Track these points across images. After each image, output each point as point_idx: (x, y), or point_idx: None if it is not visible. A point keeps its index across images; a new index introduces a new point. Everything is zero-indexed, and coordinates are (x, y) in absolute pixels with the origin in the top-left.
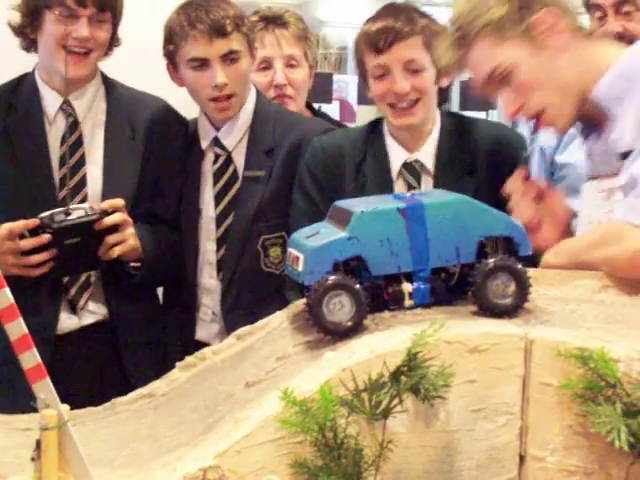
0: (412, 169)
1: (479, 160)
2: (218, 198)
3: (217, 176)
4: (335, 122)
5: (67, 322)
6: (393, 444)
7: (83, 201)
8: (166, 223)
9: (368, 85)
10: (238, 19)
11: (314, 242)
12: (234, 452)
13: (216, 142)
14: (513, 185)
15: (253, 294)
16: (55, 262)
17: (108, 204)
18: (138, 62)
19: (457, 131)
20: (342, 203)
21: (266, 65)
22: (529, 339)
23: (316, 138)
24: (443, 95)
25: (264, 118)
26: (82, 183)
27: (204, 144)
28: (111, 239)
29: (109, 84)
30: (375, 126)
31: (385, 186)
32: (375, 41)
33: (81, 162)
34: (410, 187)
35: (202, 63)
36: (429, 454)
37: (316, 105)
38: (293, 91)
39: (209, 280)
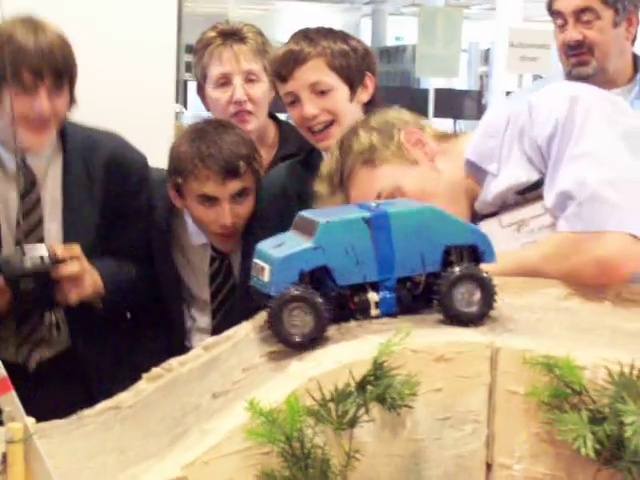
0: None
1: None
2: (215, 292)
3: (213, 275)
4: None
5: (20, 357)
6: (360, 453)
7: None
8: (128, 258)
9: None
10: (251, 158)
11: (280, 252)
12: (201, 463)
13: (212, 247)
14: None
15: None
16: (11, 305)
17: (65, 253)
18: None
19: None
20: (307, 213)
21: (225, 81)
22: (495, 347)
23: (263, 182)
24: (373, 107)
25: (257, 223)
26: (40, 242)
27: (196, 241)
28: (67, 287)
29: (64, 131)
30: (311, 155)
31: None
32: (278, 70)
33: (39, 222)
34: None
35: (212, 199)
36: (396, 463)
37: (283, 116)
38: (253, 107)
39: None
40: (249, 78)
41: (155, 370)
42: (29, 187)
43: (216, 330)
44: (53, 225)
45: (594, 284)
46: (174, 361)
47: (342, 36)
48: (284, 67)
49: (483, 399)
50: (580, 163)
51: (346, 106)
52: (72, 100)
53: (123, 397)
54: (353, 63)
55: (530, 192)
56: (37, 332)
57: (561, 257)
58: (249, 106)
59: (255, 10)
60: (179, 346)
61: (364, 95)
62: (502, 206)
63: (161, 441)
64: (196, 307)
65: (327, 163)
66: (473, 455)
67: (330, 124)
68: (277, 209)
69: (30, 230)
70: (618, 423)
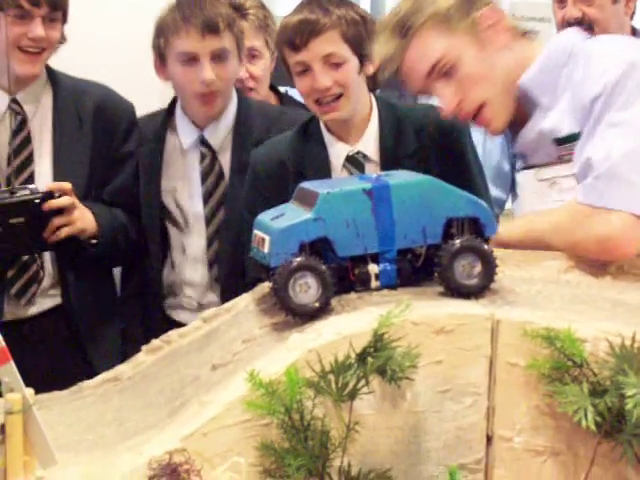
0: (355, 161)
1: (425, 146)
2: (207, 196)
3: (204, 175)
4: (302, 105)
5: (14, 310)
6: (360, 426)
7: None
8: (118, 206)
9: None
10: (231, 19)
11: (280, 223)
12: (200, 435)
13: (201, 141)
14: None
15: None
16: (1, 241)
17: (55, 186)
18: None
19: (396, 118)
20: (308, 184)
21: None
22: (495, 320)
23: (253, 156)
24: (374, 81)
25: (248, 115)
26: (29, 181)
27: (186, 143)
28: (57, 221)
29: (54, 77)
30: (309, 126)
31: None
32: (292, 39)
33: (29, 160)
34: None
35: (191, 58)
36: (396, 435)
37: (283, 89)
38: (254, 83)
39: (193, 273)
40: (251, 54)
41: (154, 342)
42: (19, 125)
43: (210, 241)
44: (43, 166)
45: (593, 258)
46: (173, 333)
47: (352, 5)
48: (299, 36)
49: (483, 371)
50: (614, 131)
51: (355, 78)
52: (62, 37)
53: (122, 369)
54: (365, 36)
55: (566, 143)
56: (20, 291)
57: (567, 229)
58: (250, 83)
59: None
60: (156, 285)
61: (370, 67)
62: (537, 149)
63: (160, 413)
64: (188, 229)
65: (396, 10)
66: (473, 427)
67: (339, 96)
68: (274, 181)
69: (20, 168)
70: (619, 396)
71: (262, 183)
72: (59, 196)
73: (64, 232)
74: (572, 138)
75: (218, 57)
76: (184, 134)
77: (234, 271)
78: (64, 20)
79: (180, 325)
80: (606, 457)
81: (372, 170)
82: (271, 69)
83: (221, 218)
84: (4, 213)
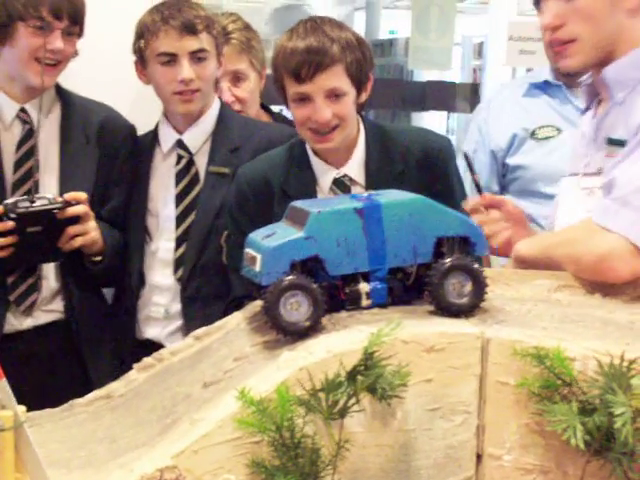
0: (341, 184)
1: (410, 169)
2: (179, 198)
3: (179, 177)
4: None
5: (15, 322)
6: (350, 443)
7: None
8: (114, 227)
9: (287, 104)
10: (209, 21)
11: (271, 242)
12: (191, 452)
13: (179, 144)
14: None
15: (213, 287)
16: (16, 250)
17: (71, 196)
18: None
19: (383, 141)
20: (299, 203)
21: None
22: (485, 338)
23: (240, 171)
24: (362, 104)
25: (228, 122)
26: (34, 189)
27: (165, 147)
28: (72, 230)
29: (62, 91)
30: (295, 147)
31: None
32: (297, 70)
33: (34, 169)
34: None
35: (171, 59)
36: (386, 453)
37: (277, 108)
38: (240, 106)
39: (162, 278)
40: (236, 77)
41: (146, 360)
42: (27, 134)
43: (179, 243)
44: (49, 178)
45: (587, 278)
46: (165, 351)
47: (348, 29)
48: (305, 69)
49: (473, 390)
50: None
51: (352, 110)
52: (75, 51)
53: (114, 386)
54: (364, 68)
55: (613, 146)
56: (20, 299)
57: (572, 243)
58: (237, 106)
59: (250, 3)
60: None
61: (364, 97)
62: (593, 144)
63: (152, 430)
64: (159, 233)
65: None
66: (463, 446)
67: (334, 127)
68: (259, 199)
69: (25, 177)
70: (608, 414)
71: (247, 200)
72: (75, 204)
73: (78, 241)
74: (620, 143)
75: (197, 57)
76: (164, 138)
77: (194, 273)
78: (80, 35)
79: (149, 343)
80: (595, 476)
81: (358, 192)
82: (261, 88)
83: (191, 220)
84: (24, 222)
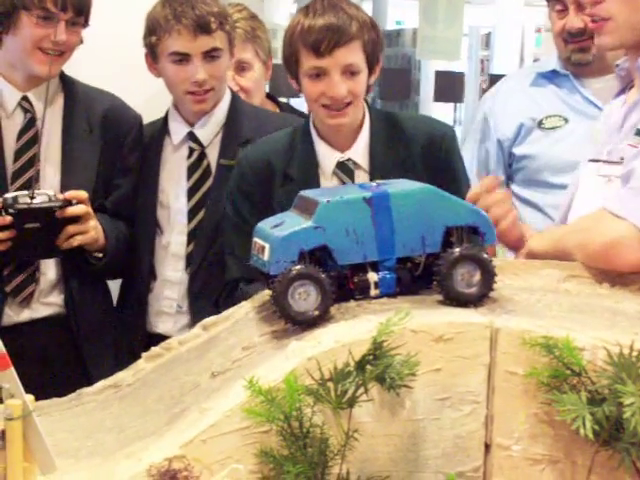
0: (345, 168)
1: (414, 155)
2: (191, 191)
3: (191, 170)
4: (302, 115)
5: (11, 314)
6: (359, 433)
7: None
8: (119, 217)
9: (297, 79)
10: (222, 17)
11: (280, 232)
12: (200, 442)
13: (190, 137)
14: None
15: (221, 282)
16: (13, 245)
17: (72, 194)
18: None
19: (388, 127)
20: (307, 193)
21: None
22: (494, 328)
23: (242, 153)
24: (368, 88)
25: (239, 114)
26: (35, 179)
27: (176, 139)
28: (71, 229)
29: (66, 80)
30: (300, 130)
31: (313, 188)
32: (316, 43)
33: (35, 159)
34: None
35: (183, 58)
36: (395, 443)
37: (283, 98)
38: (244, 95)
39: (174, 273)
40: (240, 67)
41: (154, 349)
42: (28, 123)
43: (190, 237)
44: (50, 168)
45: (595, 265)
46: (173, 340)
47: (366, 14)
48: (325, 43)
49: (482, 379)
50: None
51: (364, 89)
52: (80, 39)
53: (122, 376)
54: (377, 49)
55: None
56: (15, 291)
57: (582, 229)
58: (242, 96)
59: None
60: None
61: (373, 79)
62: (619, 132)
63: (160, 420)
64: (170, 227)
65: None
66: (472, 435)
67: (347, 104)
68: (259, 180)
69: (25, 167)
70: (617, 404)
71: (247, 181)
72: (76, 203)
73: (77, 240)
74: None
75: (210, 56)
76: (175, 131)
77: (202, 268)
78: (85, 24)
79: (160, 338)
80: (604, 466)
81: (361, 177)
82: (267, 78)
83: (203, 214)
84: (22, 218)
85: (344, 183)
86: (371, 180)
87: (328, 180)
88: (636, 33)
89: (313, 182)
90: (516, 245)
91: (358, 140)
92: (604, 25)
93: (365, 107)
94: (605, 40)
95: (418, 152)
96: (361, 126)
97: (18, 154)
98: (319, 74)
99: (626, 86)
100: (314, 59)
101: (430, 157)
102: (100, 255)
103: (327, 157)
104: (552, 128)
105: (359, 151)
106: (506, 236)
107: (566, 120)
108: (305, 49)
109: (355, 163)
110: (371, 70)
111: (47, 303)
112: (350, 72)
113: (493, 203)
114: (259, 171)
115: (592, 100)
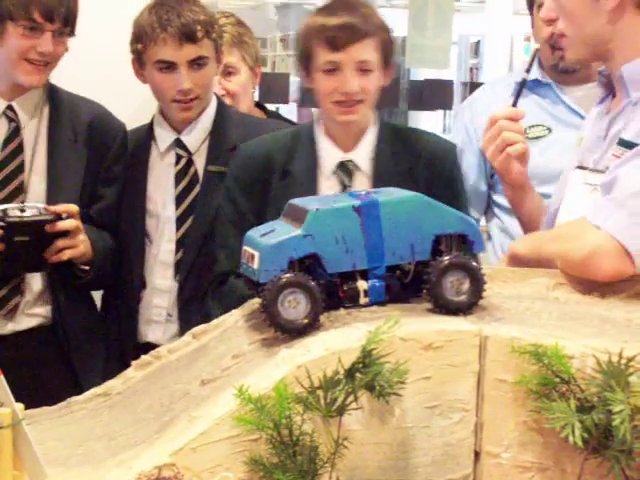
0: (345, 168)
1: (418, 168)
2: (179, 199)
3: (178, 177)
4: (291, 122)
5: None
6: (348, 441)
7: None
8: (104, 227)
9: (309, 75)
10: (209, 25)
11: (269, 240)
12: (189, 450)
13: (177, 143)
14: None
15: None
16: (1, 258)
17: (62, 208)
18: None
19: (394, 136)
20: (297, 201)
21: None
22: (483, 336)
23: (243, 145)
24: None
25: (226, 121)
26: (19, 190)
27: (162, 146)
28: (61, 243)
29: (51, 88)
30: (304, 129)
31: (311, 185)
32: (332, 38)
33: (20, 169)
34: (344, 186)
35: (169, 66)
36: (384, 451)
37: (273, 106)
38: (230, 100)
39: (163, 281)
40: (227, 71)
41: (144, 357)
42: (12, 133)
43: (179, 245)
44: (35, 177)
45: (576, 274)
46: (163, 349)
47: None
48: (341, 38)
49: (471, 387)
50: None
51: (376, 89)
52: (65, 48)
53: (112, 384)
54: (391, 51)
55: (623, 147)
56: (5, 287)
57: (562, 237)
58: (227, 100)
59: (247, 1)
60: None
61: (386, 80)
62: (603, 141)
63: (150, 428)
64: (158, 235)
65: None
66: (461, 443)
67: (359, 102)
68: (258, 174)
69: (10, 177)
70: (606, 412)
71: (246, 174)
72: (66, 217)
73: (67, 254)
74: (630, 145)
75: (196, 64)
76: (161, 137)
77: (191, 275)
78: (71, 34)
79: (150, 347)
80: (593, 473)
81: (361, 180)
82: (255, 85)
83: (191, 221)
84: (12, 231)
85: (343, 184)
86: (373, 186)
87: (327, 179)
88: (590, 48)
89: (312, 179)
90: (514, 182)
91: (363, 143)
92: (564, 39)
93: (372, 113)
94: (567, 55)
95: (422, 166)
96: (366, 130)
97: (3, 164)
98: (333, 69)
99: (609, 93)
100: (329, 53)
101: (433, 172)
102: (87, 268)
103: (329, 155)
104: (536, 138)
105: (362, 154)
106: (509, 163)
107: (549, 130)
108: (320, 44)
109: (356, 165)
110: (384, 73)
111: (32, 314)
112: (363, 69)
113: (508, 127)
114: (259, 165)
115: (575, 109)
